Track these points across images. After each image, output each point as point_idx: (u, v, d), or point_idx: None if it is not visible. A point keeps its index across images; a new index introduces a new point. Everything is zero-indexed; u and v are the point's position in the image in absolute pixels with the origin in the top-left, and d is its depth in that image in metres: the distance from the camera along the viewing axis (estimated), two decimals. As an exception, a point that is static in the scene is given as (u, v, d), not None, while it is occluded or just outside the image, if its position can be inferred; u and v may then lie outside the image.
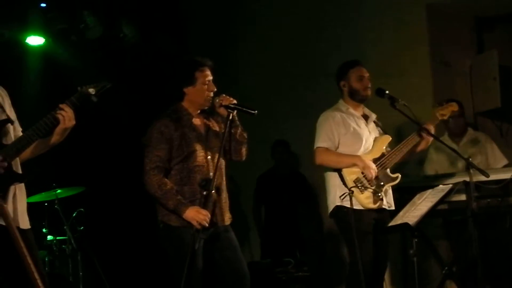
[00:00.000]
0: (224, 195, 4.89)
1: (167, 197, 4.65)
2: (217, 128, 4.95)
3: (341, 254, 7.42)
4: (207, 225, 4.58)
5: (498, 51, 7.48)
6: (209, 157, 4.80)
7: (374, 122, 5.81)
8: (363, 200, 5.44)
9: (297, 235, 8.17)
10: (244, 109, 4.78)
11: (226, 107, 4.76)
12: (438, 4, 7.53)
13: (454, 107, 5.90)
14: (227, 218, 4.89)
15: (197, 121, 4.88)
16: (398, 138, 6.10)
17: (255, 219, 8.40)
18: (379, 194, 5.47)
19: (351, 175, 5.46)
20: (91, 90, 4.10)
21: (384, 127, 5.91)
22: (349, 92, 5.70)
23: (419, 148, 5.77)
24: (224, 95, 4.81)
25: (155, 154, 4.68)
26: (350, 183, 5.40)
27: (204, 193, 4.59)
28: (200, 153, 4.76)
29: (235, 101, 4.78)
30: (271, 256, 7.69)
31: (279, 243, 8.01)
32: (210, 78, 4.84)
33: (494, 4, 7.57)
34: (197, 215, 4.58)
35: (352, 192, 5.30)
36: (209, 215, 4.61)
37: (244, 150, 4.99)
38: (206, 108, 4.90)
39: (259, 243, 8.41)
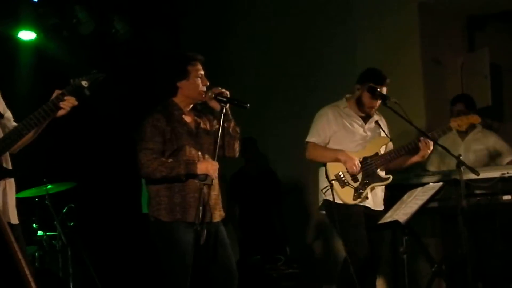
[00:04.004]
0: (216, 192, 4.87)
1: (174, 167, 4.62)
2: (207, 126, 4.92)
3: (331, 248, 7.45)
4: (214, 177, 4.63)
5: (489, 49, 7.51)
6: (199, 152, 4.78)
7: (378, 123, 5.81)
8: (341, 194, 5.52)
9: (273, 232, 8.15)
10: (236, 102, 4.78)
11: (219, 100, 4.74)
12: (430, 2, 7.54)
13: (475, 119, 5.85)
14: (218, 216, 4.86)
15: (187, 117, 4.85)
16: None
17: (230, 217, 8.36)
18: (361, 191, 5.52)
19: (333, 169, 5.55)
20: (84, 83, 4.04)
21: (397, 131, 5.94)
22: (357, 99, 5.71)
23: (415, 159, 5.72)
24: (217, 87, 4.80)
25: (150, 147, 4.64)
26: (331, 177, 5.50)
27: (203, 187, 4.59)
28: (190, 148, 4.74)
29: (227, 93, 4.77)
30: (248, 254, 7.68)
31: (256, 241, 7.98)
32: (202, 72, 4.84)
33: (485, 2, 7.59)
34: (210, 166, 4.63)
35: (332, 185, 5.40)
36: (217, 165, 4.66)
37: (237, 146, 4.97)
38: (199, 102, 4.89)
39: (244, 241, 8.36)
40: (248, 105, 4.76)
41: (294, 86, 8.27)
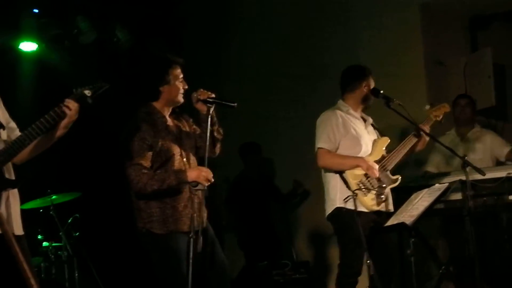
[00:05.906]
0: (200, 196, 4.73)
1: (164, 178, 4.55)
2: (187, 128, 4.86)
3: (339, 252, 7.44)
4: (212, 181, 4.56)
5: (492, 49, 7.50)
6: (184, 159, 4.73)
7: (372, 125, 5.79)
8: (367, 202, 5.43)
9: (270, 237, 8.12)
10: (223, 102, 4.67)
11: (205, 101, 4.65)
12: (432, 3, 7.54)
13: (446, 108, 5.93)
14: (205, 219, 4.76)
15: (170, 123, 4.79)
16: (398, 138, 6.06)
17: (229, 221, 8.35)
18: (382, 196, 5.47)
19: (354, 177, 5.44)
20: (87, 92, 4.02)
21: (383, 127, 5.91)
22: (365, 95, 5.65)
23: (417, 148, 5.75)
24: (201, 89, 4.70)
25: (139, 162, 4.57)
26: (354, 186, 5.39)
27: (195, 193, 4.54)
28: (177, 156, 4.68)
29: (213, 95, 4.67)
30: (252, 259, 7.67)
31: (257, 245, 7.96)
32: (182, 75, 4.77)
33: (487, 2, 7.59)
34: (201, 174, 4.53)
35: (356, 194, 5.30)
36: (209, 171, 4.57)
37: (218, 147, 4.87)
38: (179, 105, 4.81)
39: (246, 245, 8.30)
40: (236, 104, 4.66)
41: (295, 87, 8.25)
